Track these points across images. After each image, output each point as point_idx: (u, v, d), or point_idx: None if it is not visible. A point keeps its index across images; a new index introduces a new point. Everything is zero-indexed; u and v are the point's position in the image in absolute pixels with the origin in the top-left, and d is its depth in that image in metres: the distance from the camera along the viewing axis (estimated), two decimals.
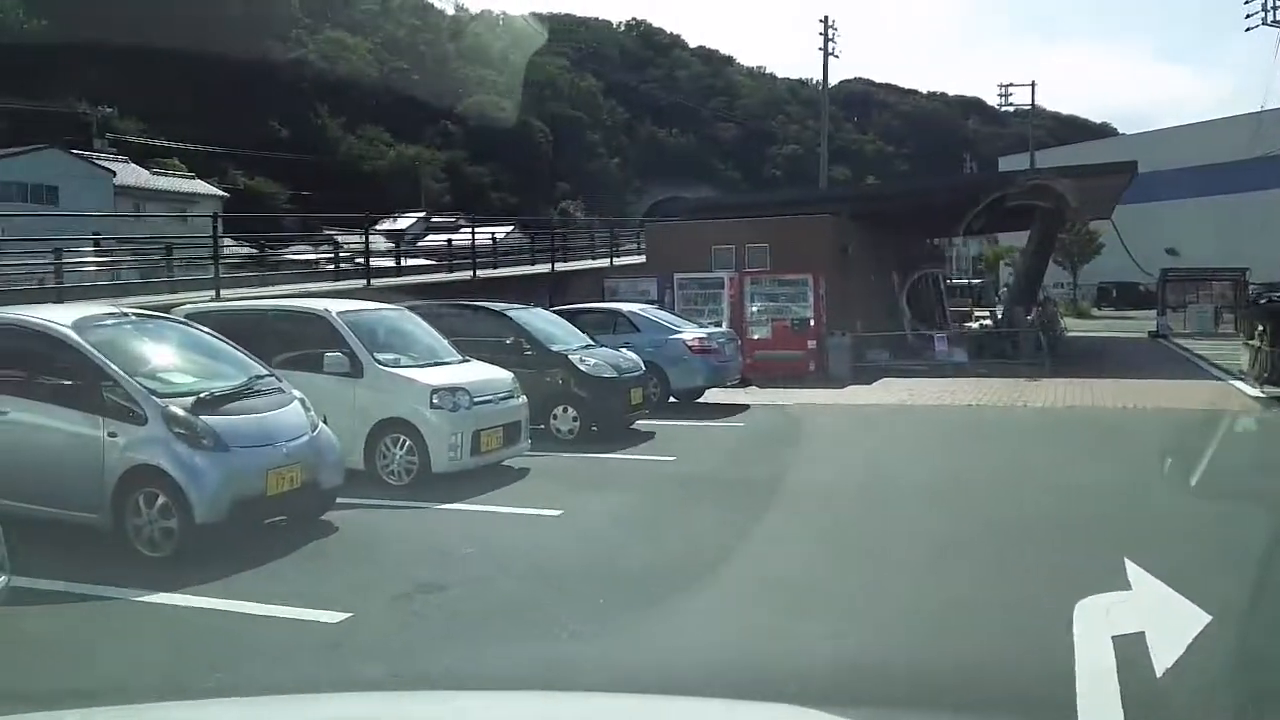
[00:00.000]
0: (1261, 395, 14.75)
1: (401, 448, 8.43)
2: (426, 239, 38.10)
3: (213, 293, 12.77)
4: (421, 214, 53.45)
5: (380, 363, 8.63)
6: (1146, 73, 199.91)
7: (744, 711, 2.60)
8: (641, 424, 11.99)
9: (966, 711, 3.91)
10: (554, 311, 13.28)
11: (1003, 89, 55.00)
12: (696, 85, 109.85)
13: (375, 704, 2.71)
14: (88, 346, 6.24)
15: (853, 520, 7.51)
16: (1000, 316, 32.74)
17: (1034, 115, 59.16)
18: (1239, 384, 16.67)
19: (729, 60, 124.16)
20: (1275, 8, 40.73)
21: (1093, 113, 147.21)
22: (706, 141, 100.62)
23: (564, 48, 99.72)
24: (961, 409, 14.55)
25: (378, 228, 35.92)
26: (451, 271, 20.38)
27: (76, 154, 35.06)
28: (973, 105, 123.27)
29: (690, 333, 14.51)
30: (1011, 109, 58.40)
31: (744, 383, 17.13)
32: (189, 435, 6.12)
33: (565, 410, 11.10)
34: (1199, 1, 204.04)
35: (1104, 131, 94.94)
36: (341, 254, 20.39)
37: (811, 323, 18.88)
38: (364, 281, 15.63)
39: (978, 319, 34.91)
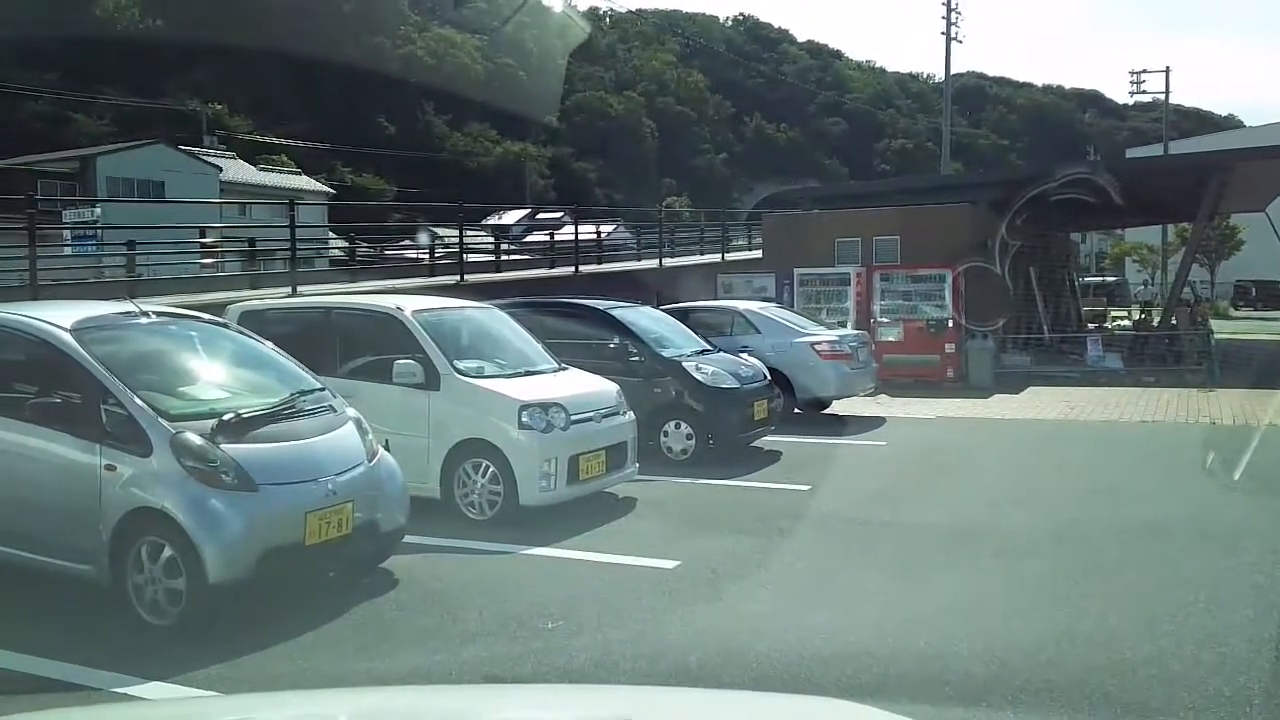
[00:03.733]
0: None
1: (484, 475, 6.96)
2: (532, 235, 37.21)
3: (289, 289, 11.60)
4: (527, 210, 52.74)
5: (461, 372, 7.16)
6: (1272, 64, 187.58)
7: (786, 704, 2.51)
8: (765, 441, 10.33)
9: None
10: (663, 311, 11.69)
11: (1135, 75, 51.27)
12: (804, 80, 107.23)
13: (378, 700, 2.53)
14: (85, 355, 4.91)
15: (1071, 584, 5.68)
16: (1141, 318, 30.03)
17: (1156, 108, 55.19)
18: None
19: (837, 54, 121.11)
20: None
21: (1216, 105, 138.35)
22: (813, 136, 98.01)
23: (671, 43, 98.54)
24: (1136, 426, 12.42)
25: (483, 223, 35.18)
26: (553, 267, 19.01)
27: (184, 150, 35.11)
28: (1090, 98, 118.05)
29: (819, 335, 12.75)
30: (1136, 100, 54.66)
31: (874, 392, 15.33)
32: (204, 470, 4.74)
33: (678, 426, 9.49)
34: None
35: (1229, 124, 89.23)
36: (439, 250, 19.28)
37: (950, 324, 16.87)
38: (457, 277, 14.34)
39: (1114, 320, 32.15)
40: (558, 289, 14.81)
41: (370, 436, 5.68)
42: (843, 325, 16.67)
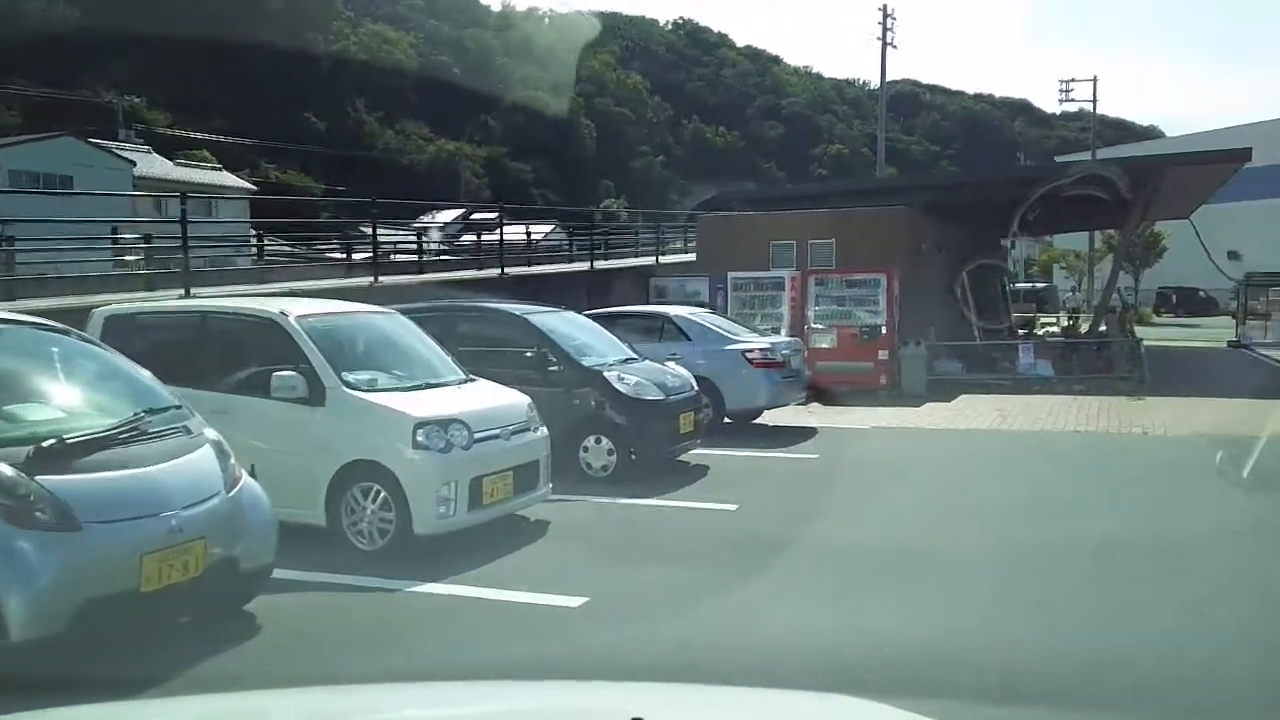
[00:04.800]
0: None
1: (375, 500, 6.25)
2: (467, 235, 36.30)
3: (183, 290, 10.74)
4: (462, 210, 51.69)
5: (350, 385, 6.44)
6: (1191, 76, 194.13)
7: (796, 700, 2.52)
8: (692, 455, 9.77)
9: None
10: (589, 316, 11.08)
11: (1064, 84, 52.20)
12: (743, 84, 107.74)
13: (380, 697, 2.52)
14: None
15: (1017, 612, 5.20)
16: (1070, 324, 30.24)
17: (1083, 118, 56.38)
18: None
19: (776, 59, 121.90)
20: None
21: (1138, 116, 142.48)
22: (752, 140, 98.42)
23: (610, 45, 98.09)
24: (1071, 436, 12.13)
25: (415, 223, 34.31)
26: (482, 269, 18.27)
27: (94, 143, 33.47)
28: (1020, 107, 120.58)
29: (751, 342, 12.25)
30: (1064, 109, 55.63)
31: (806, 400, 14.93)
32: (12, 506, 4.00)
33: (599, 441, 8.88)
34: (1248, 5, 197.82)
35: (1151, 134, 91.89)
36: (361, 248, 18.40)
37: (883, 330, 16.52)
38: (371, 278, 13.55)
39: (1044, 326, 32.40)
40: (481, 292, 14.11)
41: (232, 461, 4.97)
42: (777, 331, 16.27)
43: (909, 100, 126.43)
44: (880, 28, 37.82)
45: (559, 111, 74.04)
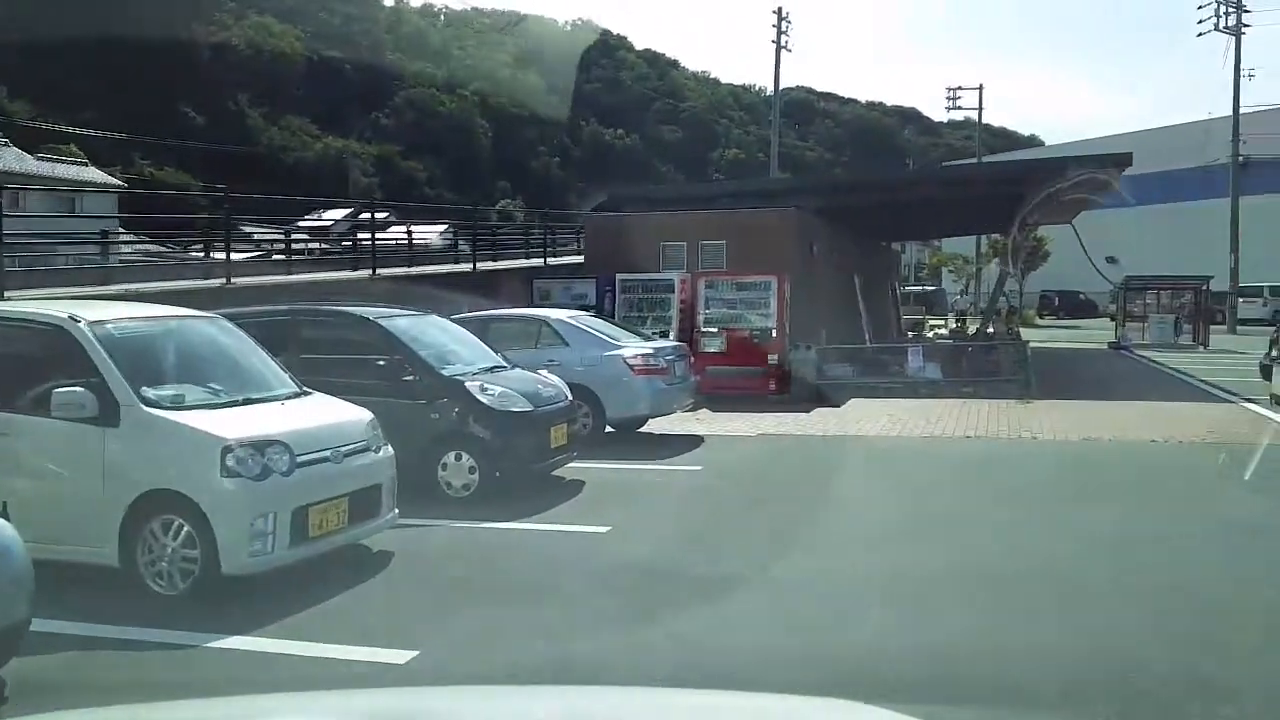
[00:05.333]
0: None
1: (177, 536, 5.36)
2: (356, 235, 34.85)
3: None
4: (350, 209, 49.94)
5: (150, 402, 5.53)
6: (1069, 90, 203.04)
7: (785, 704, 2.51)
8: (568, 469, 9.09)
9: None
10: (456, 320, 10.29)
11: (951, 92, 53.46)
12: (642, 87, 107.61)
13: (380, 699, 2.56)
14: None
15: (913, 665, 4.65)
16: (957, 326, 30.67)
17: (968, 126, 57.97)
18: (1254, 407, 14.40)
19: (674, 63, 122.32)
20: (1226, 14, 39.44)
21: (1020, 125, 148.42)
22: (651, 143, 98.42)
23: (508, 44, 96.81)
24: (961, 442, 11.86)
25: (301, 222, 32.91)
26: (356, 269, 17.20)
27: None
28: (910, 115, 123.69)
29: (633, 348, 11.62)
30: (950, 118, 57.03)
31: (695, 406, 14.43)
32: None
33: (460, 458, 8.10)
34: (1129, 19, 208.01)
35: (1032, 142, 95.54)
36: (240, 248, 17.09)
37: (774, 333, 16.14)
38: (223, 280, 12.46)
39: (932, 329, 32.83)
40: (350, 295, 13.13)
41: None
42: (666, 334, 15.74)
43: (803, 107, 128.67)
44: (775, 30, 37.86)
45: (454, 109, 72.63)
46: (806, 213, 19.15)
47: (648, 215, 19.01)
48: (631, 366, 11.21)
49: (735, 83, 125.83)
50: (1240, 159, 40.67)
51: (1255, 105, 43.06)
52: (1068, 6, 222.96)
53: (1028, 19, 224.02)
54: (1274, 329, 16.90)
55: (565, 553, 6.71)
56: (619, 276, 16.60)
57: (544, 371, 9.40)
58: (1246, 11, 39.81)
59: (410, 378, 8.15)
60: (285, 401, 6.28)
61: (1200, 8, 41.01)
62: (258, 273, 14.62)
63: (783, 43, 37.56)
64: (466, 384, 8.23)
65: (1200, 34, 41.02)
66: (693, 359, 13.16)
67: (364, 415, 6.50)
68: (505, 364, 9.15)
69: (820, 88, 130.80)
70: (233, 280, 12.44)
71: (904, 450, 11.48)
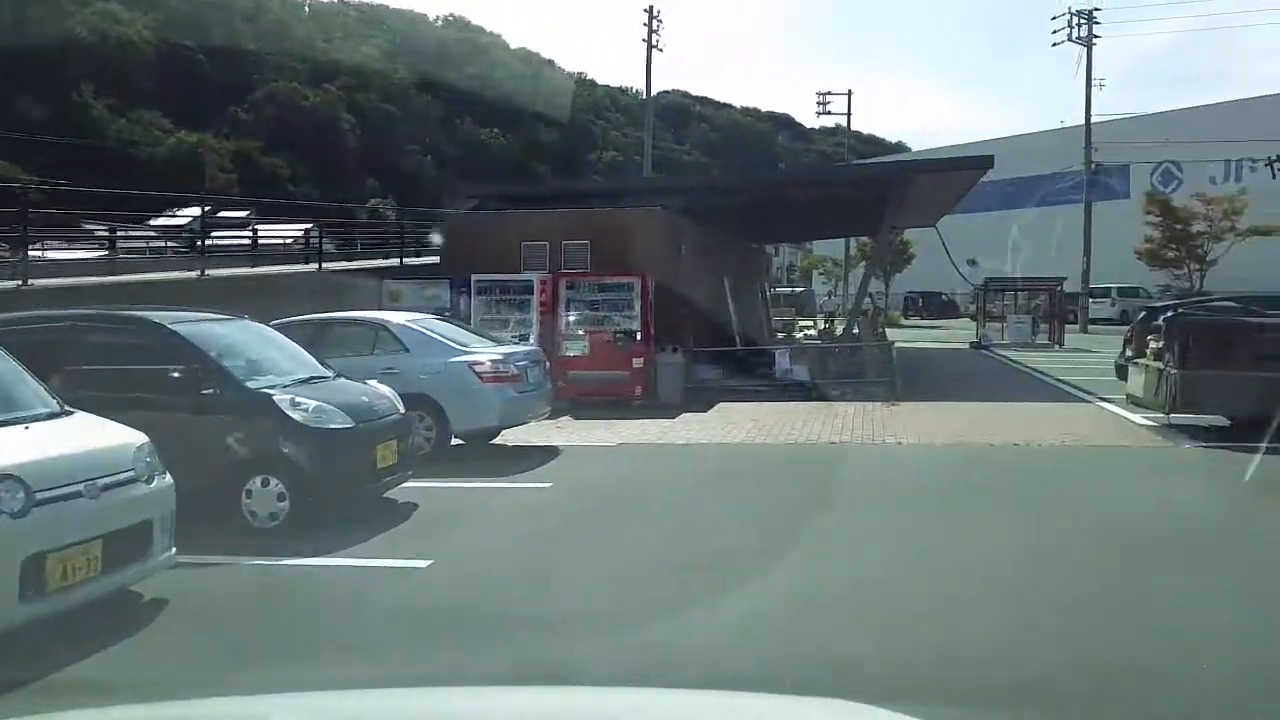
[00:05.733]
0: (1151, 424, 12.49)
1: None
2: (212, 234, 32.82)
3: None
4: (207, 207, 47.25)
5: None
6: (931, 94, 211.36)
7: (785, 705, 2.54)
8: (404, 489, 8.20)
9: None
10: (277, 325, 9.26)
11: (821, 97, 54.29)
12: (517, 86, 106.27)
13: (380, 700, 2.54)
14: None
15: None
16: (825, 327, 30.81)
17: (839, 133, 59.24)
18: (1109, 406, 14.60)
19: (550, 63, 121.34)
20: (1079, 25, 41.07)
21: (888, 133, 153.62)
22: (527, 143, 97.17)
23: (376, 38, 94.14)
24: (826, 449, 11.46)
25: (153, 221, 30.97)
26: (192, 269, 15.80)
27: None
28: (783, 121, 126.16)
29: (481, 353, 10.79)
30: (822, 125, 58.09)
31: (556, 413, 13.72)
32: None
33: (267, 483, 7.14)
34: (990, 31, 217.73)
35: (900, 149, 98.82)
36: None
37: (639, 336, 15.54)
38: (18, 282, 11.06)
39: (802, 330, 32.98)
40: (169, 297, 11.87)
41: None
42: (525, 338, 14.97)
43: (679, 111, 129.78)
44: (646, 30, 37.46)
45: (319, 104, 69.89)
46: (674, 213, 18.65)
47: (507, 214, 18.17)
48: (479, 373, 10.39)
49: (612, 84, 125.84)
50: (1092, 166, 42.36)
51: (1106, 114, 45.05)
52: (934, 19, 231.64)
53: (897, 30, 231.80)
54: (1128, 329, 17.20)
55: (373, 593, 5.86)
56: (474, 278, 15.73)
57: (374, 381, 8.48)
58: (1097, 23, 41.54)
59: (209, 392, 7.14)
60: (31, 425, 5.25)
61: (1054, 18, 42.63)
62: (81, 273, 13.18)
63: (654, 42, 37.21)
64: (275, 398, 7.26)
65: (1055, 44, 42.62)
66: (549, 364, 12.40)
67: (134, 439, 5.51)
68: (328, 374, 8.20)
69: (696, 92, 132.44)
70: (30, 281, 11.06)
71: (767, 459, 10.99)
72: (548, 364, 12.11)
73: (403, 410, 8.24)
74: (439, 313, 14.60)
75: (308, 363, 8.29)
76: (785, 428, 12.96)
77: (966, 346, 30.37)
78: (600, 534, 7.43)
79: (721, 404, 15.48)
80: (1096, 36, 41.46)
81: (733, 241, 23.83)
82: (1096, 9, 42.36)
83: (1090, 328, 37.99)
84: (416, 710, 2.33)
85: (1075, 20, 41.59)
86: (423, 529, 7.36)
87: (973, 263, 49.51)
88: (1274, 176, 45.78)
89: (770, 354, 19.34)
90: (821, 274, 55.32)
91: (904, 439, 12.00)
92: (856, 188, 20.08)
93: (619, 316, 15.71)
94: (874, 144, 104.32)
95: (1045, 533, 7.27)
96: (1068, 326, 35.26)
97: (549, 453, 10.97)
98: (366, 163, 73.65)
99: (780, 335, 30.76)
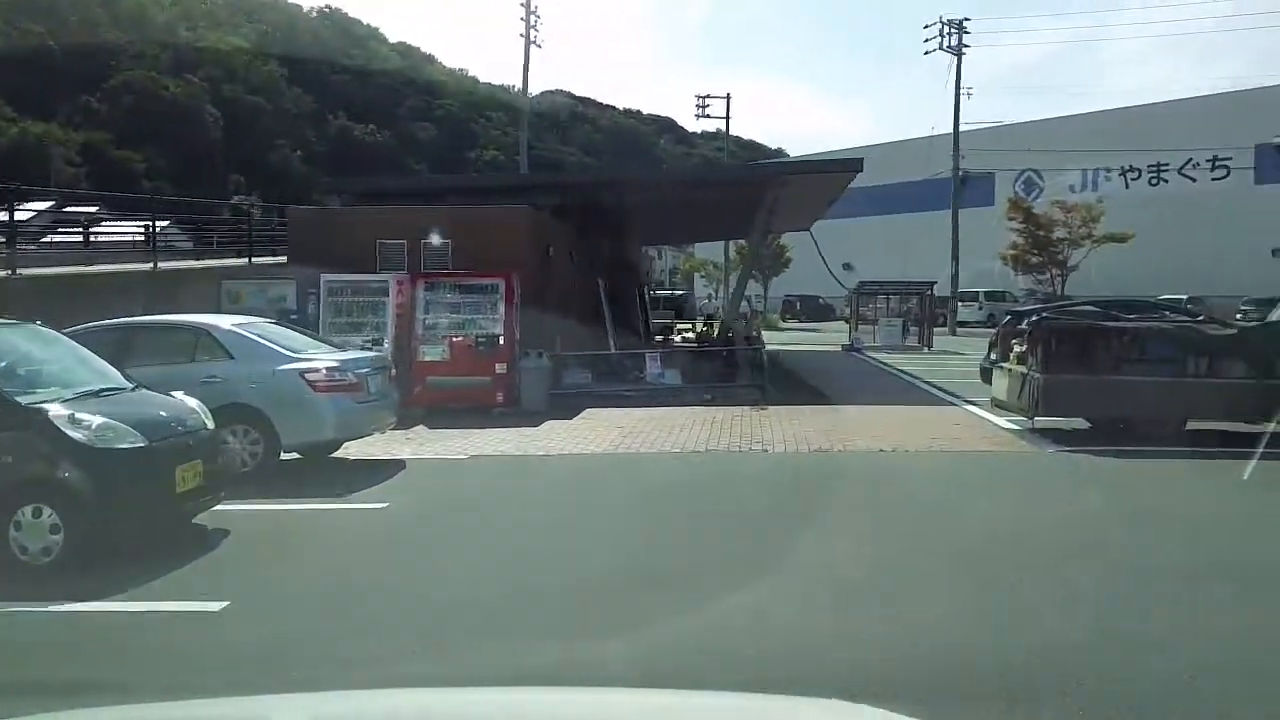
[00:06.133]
0: (1019, 428, 12.46)
1: None
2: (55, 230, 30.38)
3: None
4: (52, 202, 44.11)
5: None
6: (815, 104, 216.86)
7: (783, 705, 2.58)
8: (217, 513, 7.28)
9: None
10: (74, 332, 8.19)
11: (700, 100, 54.46)
12: (394, 81, 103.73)
13: (380, 701, 2.55)
14: None
15: None
16: (704, 330, 30.60)
17: (720, 138, 59.71)
18: (974, 409, 14.62)
19: (430, 58, 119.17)
20: (950, 34, 42.14)
21: (767, 138, 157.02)
22: (404, 140, 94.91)
23: (244, 28, 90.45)
24: (692, 457, 10.95)
25: None
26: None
27: None
28: (665, 125, 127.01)
29: (315, 360, 9.88)
30: (703, 129, 58.37)
31: (411, 422, 12.91)
32: None
33: (39, 514, 6.16)
34: (868, 40, 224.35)
35: (779, 154, 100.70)
36: None
37: (501, 340, 14.79)
38: None
39: (680, 333, 32.75)
40: None
41: None
42: (379, 343, 14.08)
43: (563, 112, 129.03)
44: (524, 23, 36.66)
45: (179, 95, 66.51)
46: (544, 211, 17.97)
47: (362, 210, 17.15)
48: (311, 382, 9.49)
49: (495, 82, 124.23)
50: (960, 173, 43.51)
51: (974, 123, 46.39)
52: (813, 28, 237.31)
53: (778, 40, 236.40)
54: (994, 332, 17.34)
55: (154, 645, 4.99)
56: (324, 278, 14.72)
57: (182, 393, 7.53)
58: (967, 33, 42.66)
59: None
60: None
61: (926, 26, 43.63)
62: None
63: (532, 39, 36.41)
64: (51, 414, 6.28)
65: (927, 52, 43.59)
66: (396, 371, 11.54)
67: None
68: (126, 385, 7.22)
69: (580, 93, 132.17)
70: None
71: (628, 470, 10.41)
72: (394, 371, 11.25)
73: (211, 425, 7.31)
74: (283, 316, 13.58)
75: (102, 373, 7.29)
76: (652, 435, 12.45)
77: (840, 349, 30.61)
78: (429, 563, 6.68)
79: (590, 410, 14.89)
80: (966, 46, 42.62)
81: (608, 242, 23.28)
82: (967, 19, 43.52)
83: (959, 330, 38.94)
84: (416, 710, 2.32)
85: (946, 29, 42.63)
86: (227, 562, 6.49)
87: (848, 267, 50.46)
88: (1127, 186, 48.03)
89: (642, 358, 18.83)
90: (703, 277, 55.44)
91: (771, 445, 11.63)
92: (730, 189, 19.77)
93: (481, 319, 14.94)
94: (754, 149, 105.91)
95: (893, 544, 6.90)
96: (937, 329, 36.03)
97: (393, 467, 10.15)
98: (231, 157, 70.54)
99: (659, 338, 30.43)
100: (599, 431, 12.82)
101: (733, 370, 18.51)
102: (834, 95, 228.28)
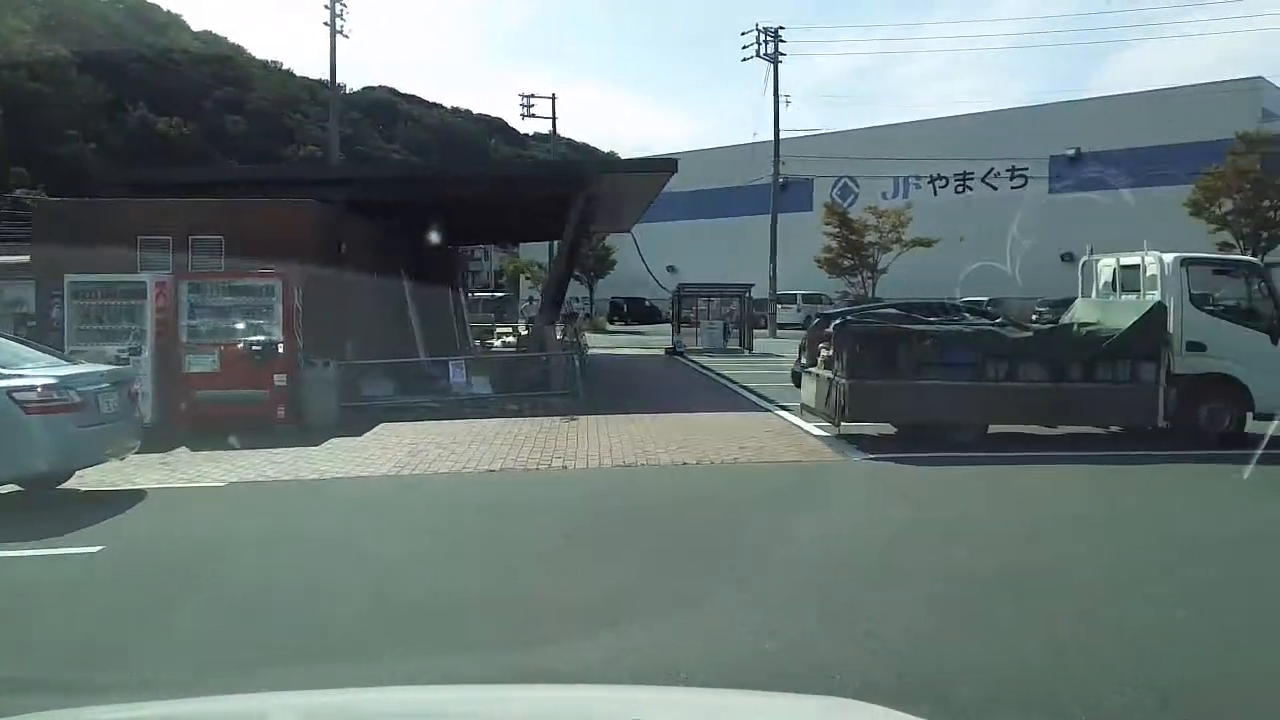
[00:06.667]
0: (828, 435, 12.17)
1: None
2: None
3: None
4: None
5: None
6: (648, 109, 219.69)
7: (796, 704, 2.53)
8: None
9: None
10: None
11: (525, 98, 53.55)
12: (200, 72, 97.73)
13: (379, 699, 2.52)
14: None
15: None
16: (525, 334, 29.67)
17: (553, 140, 59.04)
18: (786, 415, 14.36)
19: (238, 49, 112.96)
20: (767, 41, 42.79)
21: (600, 142, 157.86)
22: (211, 134, 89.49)
23: (26, 9, 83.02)
24: (482, 480, 9.98)
25: None
26: None
27: None
28: (496, 125, 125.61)
29: (28, 376, 8.36)
30: (535, 131, 57.53)
31: (174, 442, 11.46)
32: None
33: None
34: (691, 49, 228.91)
35: (611, 157, 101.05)
36: None
37: (281, 348, 13.37)
38: None
39: (500, 336, 31.73)
40: None
41: None
42: (135, 352, 12.47)
43: (387, 108, 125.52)
44: (329, 11, 34.67)
45: None
46: (336, 206, 16.60)
47: (120, 203, 15.31)
48: (22, 403, 8.00)
49: (312, 76, 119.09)
50: (781, 179, 44.21)
51: (793, 130, 47.26)
52: (641, 35, 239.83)
53: (610, 46, 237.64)
54: (804, 334, 17.15)
55: None
56: (68, 278, 12.94)
57: None
58: (783, 41, 43.34)
59: None
60: None
61: (744, 33, 44.08)
62: None
63: (340, 27, 34.47)
64: None
65: (744, 59, 44.05)
66: (138, 387, 10.06)
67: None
68: None
69: (405, 90, 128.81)
70: None
71: (408, 496, 9.35)
72: (135, 388, 9.77)
73: None
74: (20, 322, 11.80)
75: None
76: (446, 453, 11.43)
77: (663, 353, 30.29)
78: (137, 623, 5.48)
79: (385, 426, 13.72)
80: (783, 55, 43.29)
81: (414, 241, 21.96)
82: (782, 27, 44.23)
83: (780, 332, 39.46)
84: (415, 709, 2.29)
85: (763, 37, 43.19)
86: None
87: (673, 269, 50.64)
88: (935, 194, 50.16)
89: (444, 366, 17.70)
90: (528, 278, 54.33)
91: (573, 461, 10.85)
92: (541, 186, 18.90)
93: (258, 325, 13.48)
94: (588, 152, 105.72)
95: (664, 564, 6.21)
96: (759, 331, 36.32)
97: (129, 499, 8.73)
98: (12, 149, 64.33)
99: (478, 343, 29.24)
100: (387, 450, 11.68)
101: (547, 378, 17.64)
102: (664, 101, 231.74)
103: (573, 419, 14.30)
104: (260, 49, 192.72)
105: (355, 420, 13.84)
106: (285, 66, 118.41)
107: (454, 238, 29.65)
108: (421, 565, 6.66)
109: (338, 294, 15.77)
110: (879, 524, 7.92)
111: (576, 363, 16.92)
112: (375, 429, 13.43)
